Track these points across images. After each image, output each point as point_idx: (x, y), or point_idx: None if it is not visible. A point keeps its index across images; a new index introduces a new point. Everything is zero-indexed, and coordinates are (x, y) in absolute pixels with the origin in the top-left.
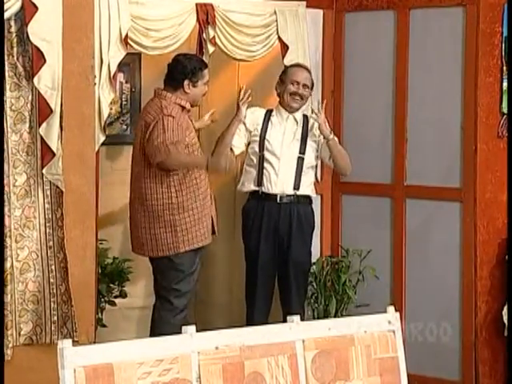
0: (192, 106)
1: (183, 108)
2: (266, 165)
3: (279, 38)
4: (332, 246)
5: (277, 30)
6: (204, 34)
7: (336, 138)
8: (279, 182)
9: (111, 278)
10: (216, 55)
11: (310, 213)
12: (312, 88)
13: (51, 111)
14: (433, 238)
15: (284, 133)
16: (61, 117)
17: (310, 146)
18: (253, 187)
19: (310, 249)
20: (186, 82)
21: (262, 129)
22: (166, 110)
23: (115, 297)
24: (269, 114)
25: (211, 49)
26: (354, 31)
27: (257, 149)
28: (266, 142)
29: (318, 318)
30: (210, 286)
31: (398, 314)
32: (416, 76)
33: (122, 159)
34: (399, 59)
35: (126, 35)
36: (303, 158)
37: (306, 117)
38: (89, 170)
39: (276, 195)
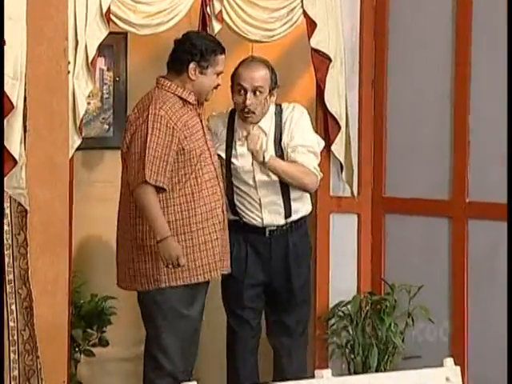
0: (199, 100)
1: (185, 101)
2: (238, 192)
3: (304, 13)
4: (373, 280)
5: (301, 2)
6: (208, 8)
7: (271, 158)
8: (265, 215)
9: (88, 320)
10: (223, 35)
11: (303, 235)
12: (273, 87)
13: (12, 107)
14: (502, 269)
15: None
16: (25, 114)
17: (289, 153)
18: (231, 216)
19: (310, 282)
20: (191, 66)
21: (226, 145)
22: (155, 104)
23: (93, 345)
24: (232, 120)
25: (217, 27)
26: (402, 3)
27: (223, 169)
28: (232, 165)
29: (355, 373)
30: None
31: (458, 369)
32: (481, 61)
33: (102, 168)
34: (459, 39)
35: (109, 10)
36: None
37: (279, 110)
38: (60, 182)
39: (264, 228)
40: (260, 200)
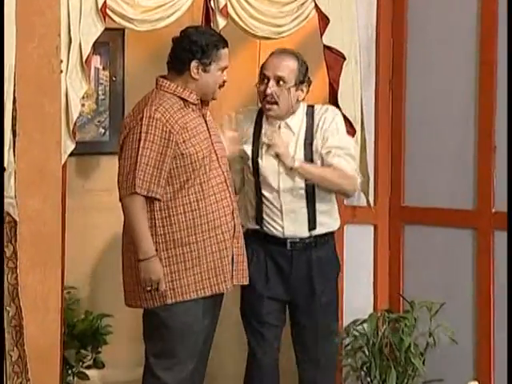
0: (202, 99)
1: (186, 101)
2: (265, 200)
3: (316, 8)
4: (391, 297)
5: None
6: (212, 2)
7: (301, 164)
8: (286, 224)
9: (82, 340)
10: (228, 31)
11: (330, 251)
12: (302, 81)
13: None
14: None
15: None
16: (14, 117)
17: (318, 156)
18: (252, 225)
19: (337, 303)
20: (193, 64)
21: (252, 143)
22: (150, 107)
23: (87, 367)
24: (260, 117)
25: (222, 22)
26: None
27: (249, 173)
28: (260, 166)
29: None
30: (219, 352)
31: None
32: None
33: (98, 175)
34: (484, 35)
35: (105, 4)
36: (314, 185)
37: (311, 111)
38: (52, 191)
39: (285, 240)
40: (282, 207)
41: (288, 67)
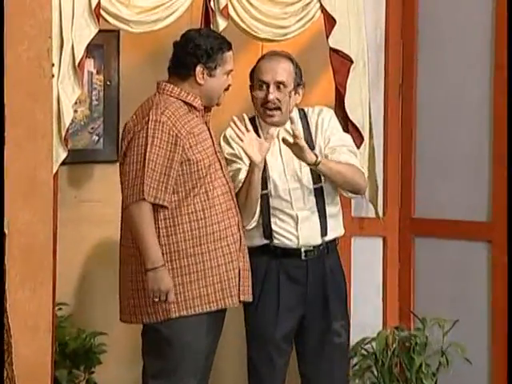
0: (207, 105)
1: (190, 106)
2: (275, 210)
3: (322, 8)
4: (401, 313)
5: None
6: (212, 3)
7: (323, 158)
8: (300, 232)
9: (75, 360)
10: (229, 33)
11: (338, 260)
12: (298, 84)
13: None
14: None
15: (283, 159)
16: (2, 124)
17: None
18: (259, 241)
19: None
20: (198, 69)
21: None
22: (155, 110)
23: None
24: (254, 127)
25: (223, 24)
26: None
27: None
28: (269, 177)
29: None
30: (220, 370)
31: None
32: None
33: (91, 185)
34: (499, 37)
35: (98, 4)
36: (322, 188)
37: (303, 114)
38: (43, 202)
39: (299, 249)
40: (297, 216)
41: (286, 70)
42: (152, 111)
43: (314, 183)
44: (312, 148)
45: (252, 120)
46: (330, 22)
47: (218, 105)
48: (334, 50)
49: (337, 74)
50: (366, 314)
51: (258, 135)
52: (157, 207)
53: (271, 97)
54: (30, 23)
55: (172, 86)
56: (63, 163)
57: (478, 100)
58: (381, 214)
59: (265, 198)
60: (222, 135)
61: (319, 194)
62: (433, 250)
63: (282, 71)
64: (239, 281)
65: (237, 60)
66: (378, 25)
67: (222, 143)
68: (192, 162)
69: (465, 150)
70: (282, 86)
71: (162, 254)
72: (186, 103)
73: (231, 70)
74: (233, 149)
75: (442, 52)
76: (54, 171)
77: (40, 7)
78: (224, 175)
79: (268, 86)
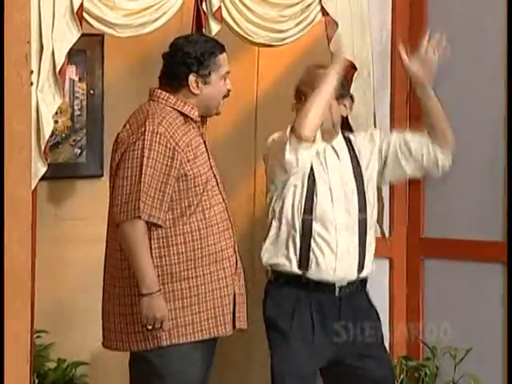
0: (205, 115)
1: (187, 117)
2: (317, 238)
3: (323, 11)
4: (409, 342)
5: None
6: (204, 5)
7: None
8: (339, 265)
9: None
10: (223, 38)
11: (369, 299)
12: (343, 95)
13: None
14: None
15: (331, 183)
16: None
17: (370, 186)
18: (291, 269)
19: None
20: (191, 78)
21: (309, 176)
22: (151, 120)
23: None
24: None
25: (215, 27)
26: None
27: (299, 208)
28: (315, 201)
29: None
30: None
31: None
32: None
33: (73, 202)
34: None
35: (81, 6)
36: (366, 219)
37: (349, 140)
38: (21, 220)
39: (333, 285)
40: (337, 245)
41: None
42: (148, 121)
43: (360, 211)
44: (359, 172)
45: None
46: (331, 25)
47: (217, 114)
48: None
49: None
50: None
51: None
52: (150, 225)
53: None
54: (6, 27)
55: (167, 94)
56: (42, 178)
57: (492, 110)
58: (386, 233)
59: (307, 223)
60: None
61: (363, 225)
62: (443, 272)
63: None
64: (234, 307)
65: (231, 67)
66: (384, 28)
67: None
68: (189, 177)
69: (478, 163)
70: None
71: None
72: (182, 114)
73: (228, 73)
74: None
75: (453, 57)
76: (33, 187)
77: (17, 9)
78: (220, 192)
79: (306, 97)
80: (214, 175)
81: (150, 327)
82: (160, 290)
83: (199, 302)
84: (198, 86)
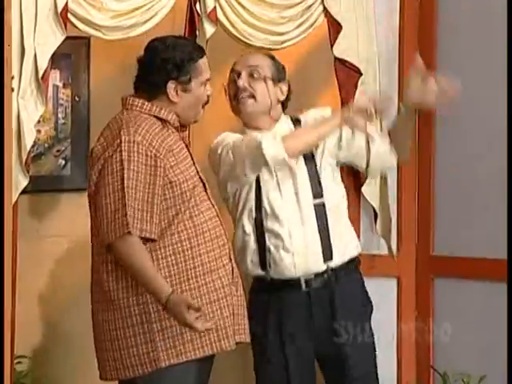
0: (183, 123)
1: (165, 122)
2: (270, 235)
3: (326, 12)
4: (418, 367)
5: None
6: (198, 5)
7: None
8: (298, 259)
9: None
10: (218, 40)
11: (360, 285)
12: (279, 80)
13: None
14: None
15: (274, 172)
16: None
17: (326, 169)
18: (256, 271)
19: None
20: (170, 86)
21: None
22: (126, 129)
23: None
24: None
25: (210, 29)
26: None
27: (251, 209)
28: (263, 197)
29: None
30: None
31: None
32: None
33: (57, 217)
34: None
35: (66, 7)
36: (323, 204)
37: (297, 121)
38: (0, 236)
39: (298, 280)
40: (290, 238)
41: (260, 60)
42: (123, 131)
43: (315, 198)
44: (311, 156)
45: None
46: (334, 27)
47: (195, 122)
48: (339, 61)
49: (343, 88)
50: (378, 367)
51: None
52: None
53: (241, 83)
54: None
55: (141, 100)
56: (24, 191)
57: (505, 124)
58: (394, 250)
59: (258, 221)
60: None
61: (321, 211)
62: (455, 292)
63: (255, 60)
64: (233, 319)
65: (225, 71)
66: (392, 30)
67: None
68: (175, 184)
69: (491, 177)
70: (255, 72)
71: (147, 293)
72: (158, 119)
73: (208, 79)
74: None
75: (466, 64)
76: (14, 201)
77: None
78: (209, 198)
79: (239, 75)
80: (201, 180)
81: (202, 326)
82: (173, 291)
83: None
84: (177, 94)
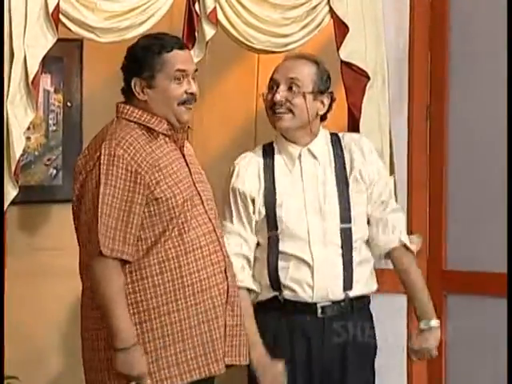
0: (173, 127)
1: (153, 132)
2: (283, 255)
3: (332, 13)
4: None
5: None
6: (197, 6)
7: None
8: (316, 279)
9: None
10: (218, 43)
11: (370, 326)
12: (321, 91)
13: None
14: None
15: (304, 187)
16: None
17: (357, 199)
18: (267, 293)
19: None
20: (133, 82)
21: (265, 193)
22: (108, 142)
23: None
24: (269, 155)
25: (210, 31)
26: None
27: (263, 224)
28: (278, 211)
29: None
30: None
31: None
32: None
33: (48, 229)
34: None
35: (57, 8)
36: (350, 229)
37: (336, 139)
38: None
39: (314, 305)
40: (313, 259)
41: (303, 70)
42: (105, 143)
43: (342, 222)
44: (344, 175)
45: (269, 146)
46: (341, 29)
47: (180, 123)
48: (346, 64)
49: (350, 93)
50: None
51: (273, 163)
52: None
53: (278, 96)
54: None
55: (131, 108)
56: (13, 203)
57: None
58: None
59: (273, 241)
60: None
61: (347, 236)
62: (468, 309)
63: (297, 70)
64: (225, 340)
65: (227, 75)
66: (401, 32)
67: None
68: (161, 201)
69: (505, 190)
70: (294, 85)
71: (130, 314)
72: (148, 128)
73: (181, 70)
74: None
75: (480, 66)
76: (2, 212)
77: None
78: (206, 211)
79: (278, 86)
80: (198, 192)
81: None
82: (137, 343)
83: (184, 339)
84: (142, 91)
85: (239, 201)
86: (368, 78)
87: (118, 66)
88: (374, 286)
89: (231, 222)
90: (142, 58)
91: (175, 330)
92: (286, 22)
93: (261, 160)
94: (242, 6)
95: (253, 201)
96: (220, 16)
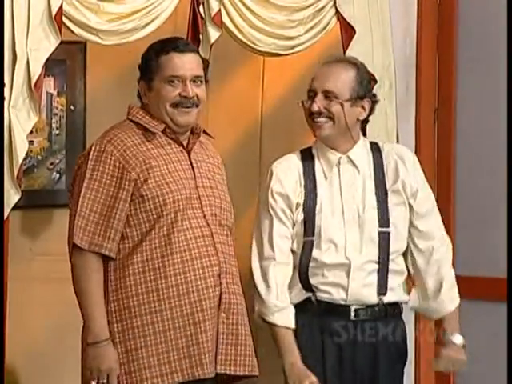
0: (172, 129)
1: (146, 131)
2: (317, 258)
3: (339, 15)
4: None
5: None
6: (201, 8)
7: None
8: (351, 282)
9: None
10: (223, 46)
11: (402, 333)
12: (361, 97)
13: None
14: None
15: (342, 194)
16: None
17: (397, 207)
18: (300, 295)
19: None
20: (140, 86)
21: (306, 192)
22: (101, 138)
23: None
24: (307, 160)
25: (215, 34)
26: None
27: (299, 229)
28: (317, 217)
29: None
30: None
31: None
32: None
33: (50, 234)
34: None
35: (60, 10)
36: (388, 233)
37: (376, 148)
38: None
39: (348, 307)
40: (350, 263)
41: (339, 78)
42: (97, 140)
43: (381, 226)
44: (384, 188)
45: (307, 151)
46: (348, 31)
47: (177, 125)
48: None
49: None
50: None
51: (313, 168)
52: (106, 256)
53: (315, 107)
54: None
55: (137, 108)
56: (16, 207)
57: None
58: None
59: (307, 246)
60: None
61: (384, 240)
62: (479, 316)
63: (334, 77)
64: (217, 348)
65: (233, 78)
66: (409, 35)
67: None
68: (146, 198)
69: None
70: (331, 95)
71: (111, 312)
72: (147, 129)
73: (174, 76)
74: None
75: (485, 71)
76: (5, 217)
77: None
78: (204, 215)
79: (316, 95)
80: (199, 196)
81: (93, 383)
82: (108, 339)
83: (166, 339)
84: (145, 94)
85: (283, 205)
86: (375, 81)
87: (121, 68)
88: (407, 297)
89: (271, 225)
90: (144, 62)
91: (157, 329)
92: (292, 25)
93: (300, 165)
94: (247, 8)
95: (296, 205)
96: (225, 18)
